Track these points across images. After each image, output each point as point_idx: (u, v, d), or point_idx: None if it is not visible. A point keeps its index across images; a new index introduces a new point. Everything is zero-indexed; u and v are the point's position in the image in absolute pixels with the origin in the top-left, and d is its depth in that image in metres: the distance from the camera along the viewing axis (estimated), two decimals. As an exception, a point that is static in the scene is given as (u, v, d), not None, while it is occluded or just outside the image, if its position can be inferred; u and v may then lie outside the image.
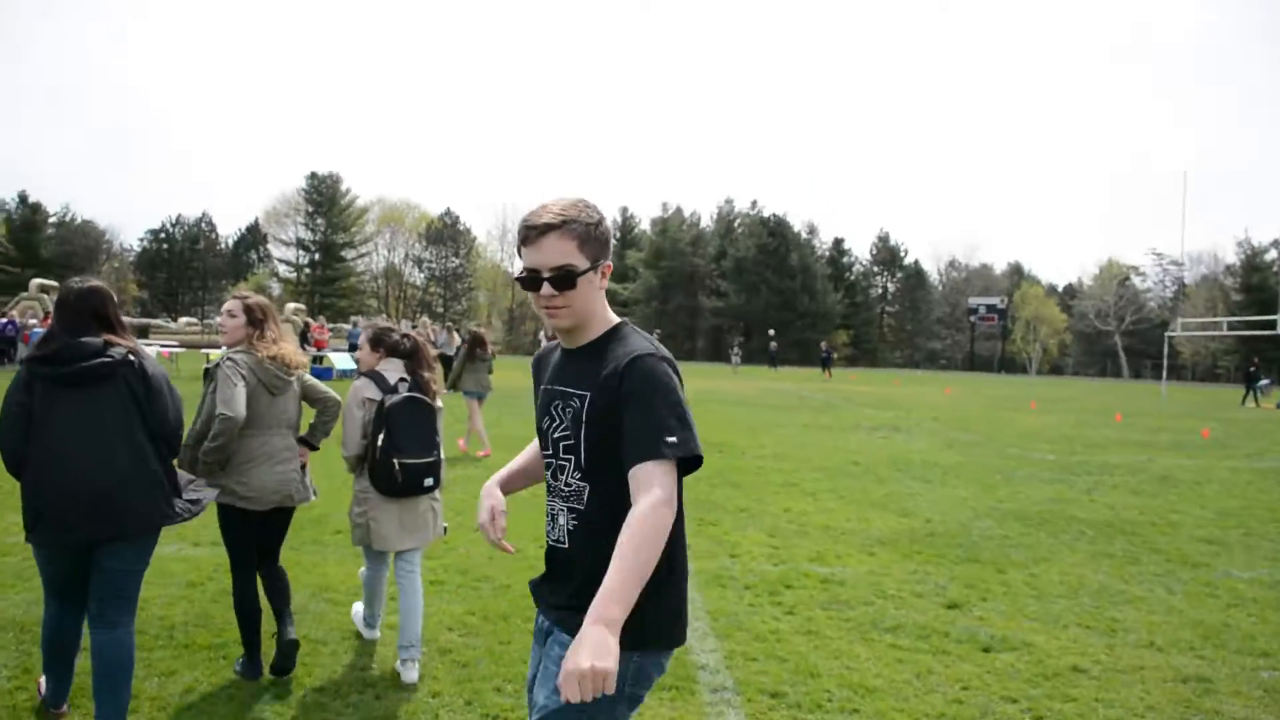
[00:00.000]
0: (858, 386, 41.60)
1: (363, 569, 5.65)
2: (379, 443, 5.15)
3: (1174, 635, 6.10)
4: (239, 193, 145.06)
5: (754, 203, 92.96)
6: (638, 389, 2.34)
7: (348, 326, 43.72)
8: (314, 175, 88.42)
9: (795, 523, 9.45)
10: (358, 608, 5.73)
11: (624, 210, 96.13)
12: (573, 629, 2.32)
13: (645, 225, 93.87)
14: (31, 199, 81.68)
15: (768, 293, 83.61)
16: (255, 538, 5.12)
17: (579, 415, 2.44)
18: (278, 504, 5.05)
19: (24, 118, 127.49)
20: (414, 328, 26.80)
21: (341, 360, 31.77)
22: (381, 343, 5.51)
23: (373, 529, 5.23)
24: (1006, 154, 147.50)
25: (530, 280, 2.44)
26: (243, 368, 4.93)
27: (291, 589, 5.30)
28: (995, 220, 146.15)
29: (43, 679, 4.44)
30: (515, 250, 2.50)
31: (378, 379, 5.35)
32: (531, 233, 2.41)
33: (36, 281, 40.61)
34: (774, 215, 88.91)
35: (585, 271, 2.42)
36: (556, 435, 2.50)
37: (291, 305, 43.40)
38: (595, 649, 2.02)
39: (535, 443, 2.77)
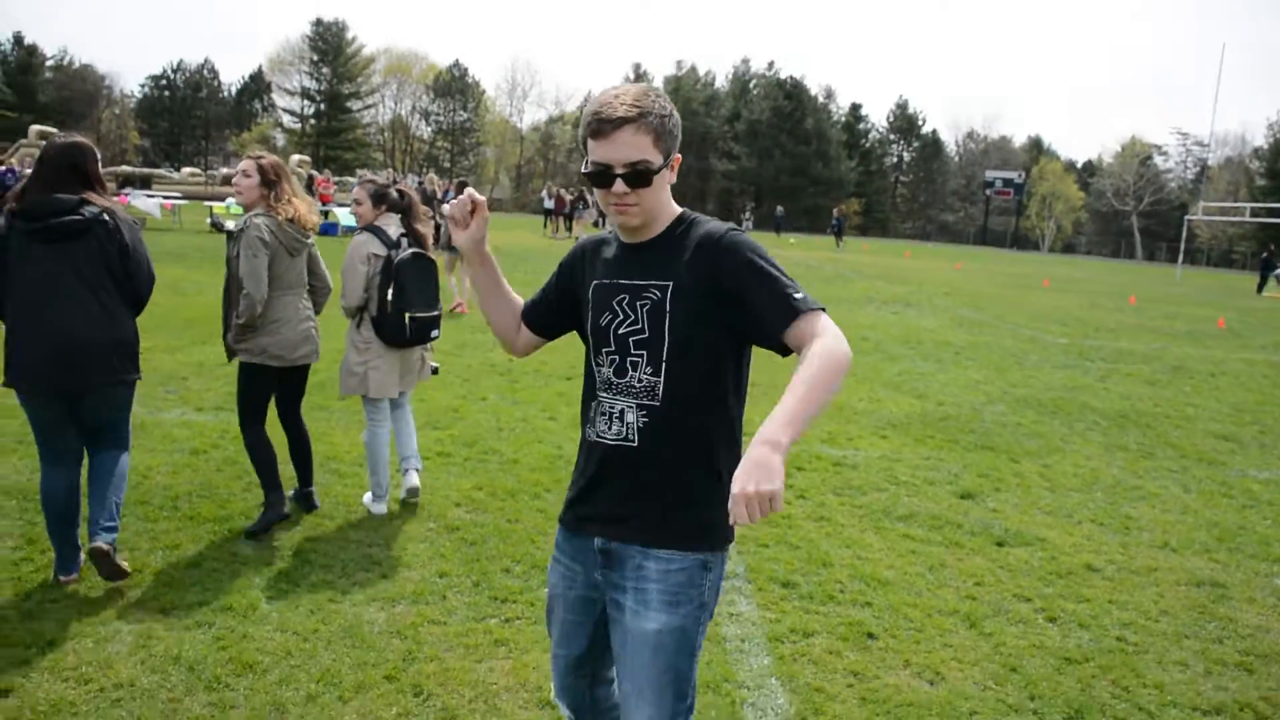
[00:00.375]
0: (868, 257, 41.18)
1: (365, 432, 5.71)
2: (388, 297, 5.38)
3: (1188, 536, 6.03)
4: (243, 39, 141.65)
5: (771, 64, 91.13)
6: (744, 262, 2.25)
7: (354, 180, 43.10)
8: (319, 22, 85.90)
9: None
10: (368, 498, 5.67)
11: (637, 67, 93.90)
12: (652, 537, 2.35)
13: (658, 83, 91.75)
14: (27, 40, 79.65)
15: (780, 157, 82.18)
16: (274, 395, 5.42)
17: (659, 307, 2.31)
18: (302, 359, 5.31)
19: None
20: (420, 184, 26.41)
21: (347, 216, 31.38)
22: (383, 199, 5.64)
23: (371, 377, 5.46)
24: (1033, 19, 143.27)
25: (601, 175, 2.27)
26: (264, 233, 5.05)
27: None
28: (1017, 91, 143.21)
29: None
30: (580, 142, 2.32)
31: (379, 233, 5.51)
32: (605, 126, 2.22)
33: (36, 128, 39.90)
34: (791, 77, 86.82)
35: (660, 169, 2.28)
36: (623, 331, 2.36)
37: (296, 157, 42.76)
38: (762, 471, 1.90)
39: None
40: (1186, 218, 46.63)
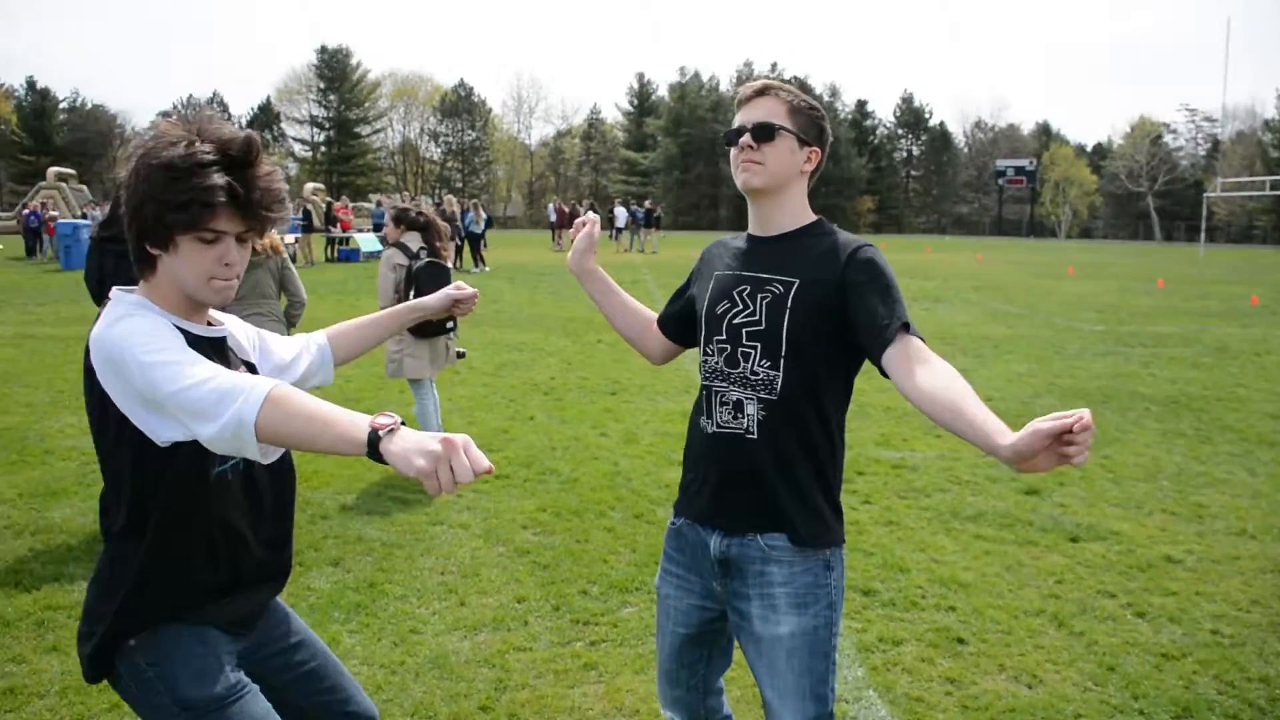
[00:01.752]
0: (889, 255, 40.81)
1: (414, 407, 6.90)
2: (410, 297, 6.40)
3: (1264, 522, 5.93)
4: (249, 71, 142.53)
5: (774, 65, 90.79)
6: (870, 276, 2.28)
7: (369, 205, 43.22)
8: (324, 49, 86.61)
9: (854, 402, 9.26)
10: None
11: (640, 77, 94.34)
12: (773, 529, 2.32)
13: (663, 91, 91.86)
14: (40, 84, 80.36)
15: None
16: None
17: (780, 302, 2.32)
18: None
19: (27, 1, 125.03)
20: (438, 205, 26.64)
21: (367, 242, 31.49)
22: (403, 219, 7.00)
23: (406, 363, 6.68)
24: (1034, 3, 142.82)
25: (732, 134, 2.41)
26: None
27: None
28: (1023, 77, 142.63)
29: None
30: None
31: (403, 248, 6.85)
32: (745, 94, 2.43)
33: (53, 170, 40.26)
34: (795, 78, 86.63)
35: (787, 132, 2.36)
36: (739, 320, 2.37)
37: (310, 185, 42.93)
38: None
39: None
40: (1205, 195, 46.23)
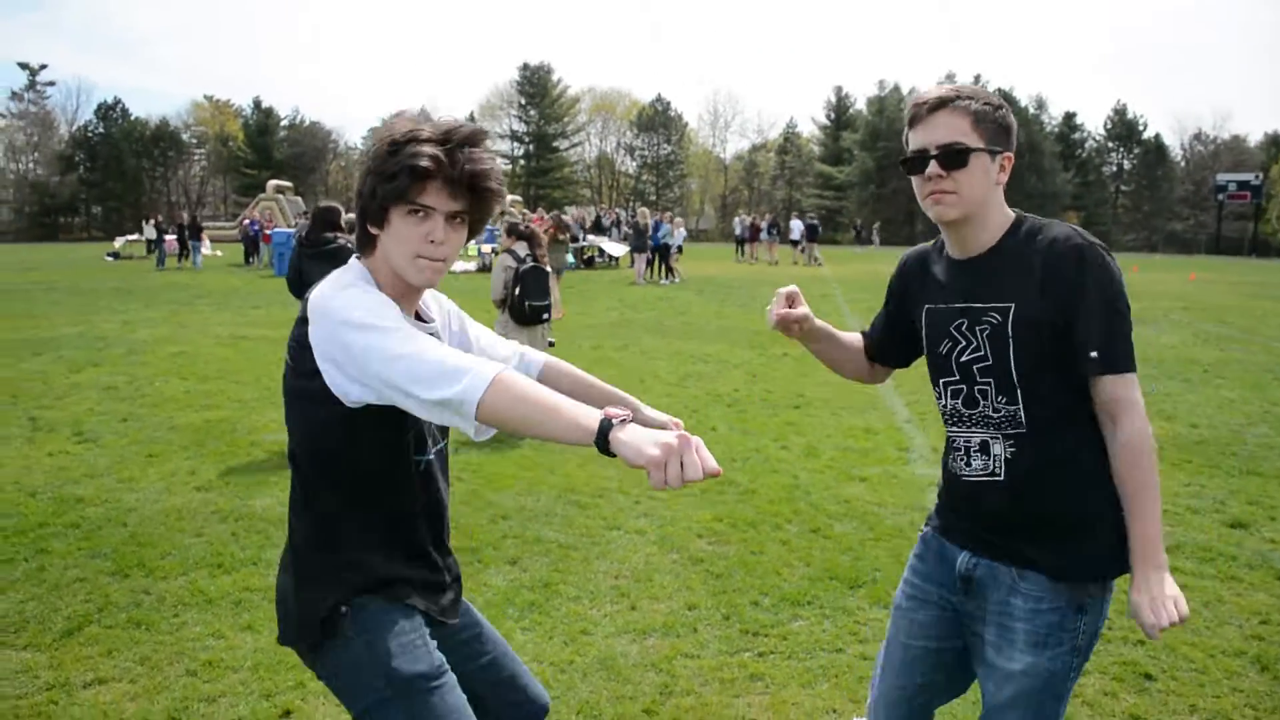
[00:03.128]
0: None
1: None
2: (516, 293, 8.49)
3: None
4: (454, 87, 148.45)
5: (977, 76, 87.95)
6: (1093, 284, 2.07)
7: (566, 218, 44.28)
8: (525, 66, 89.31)
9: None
10: None
11: (838, 90, 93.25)
12: (1023, 564, 2.22)
13: (861, 105, 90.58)
14: (264, 104, 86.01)
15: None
16: None
17: (1001, 332, 2.15)
18: None
19: (249, 22, 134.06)
20: (633, 217, 27.42)
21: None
22: (513, 231, 8.97)
23: None
24: (1259, 8, 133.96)
25: (915, 161, 2.15)
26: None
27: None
28: (1250, 84, 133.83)
29: None
30: (904, 141, 2.23)
31: (512, 253, 8.72)
32: (920, 109, 2.15)
33: (273, 183, 42.90)
34: (999, 89, 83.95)
35: (979, 151, 2.11)
36: (966, 358, 2.22)
37: (509, 198, 44.29)
38: (1169, 583, 2.10)
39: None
40: None
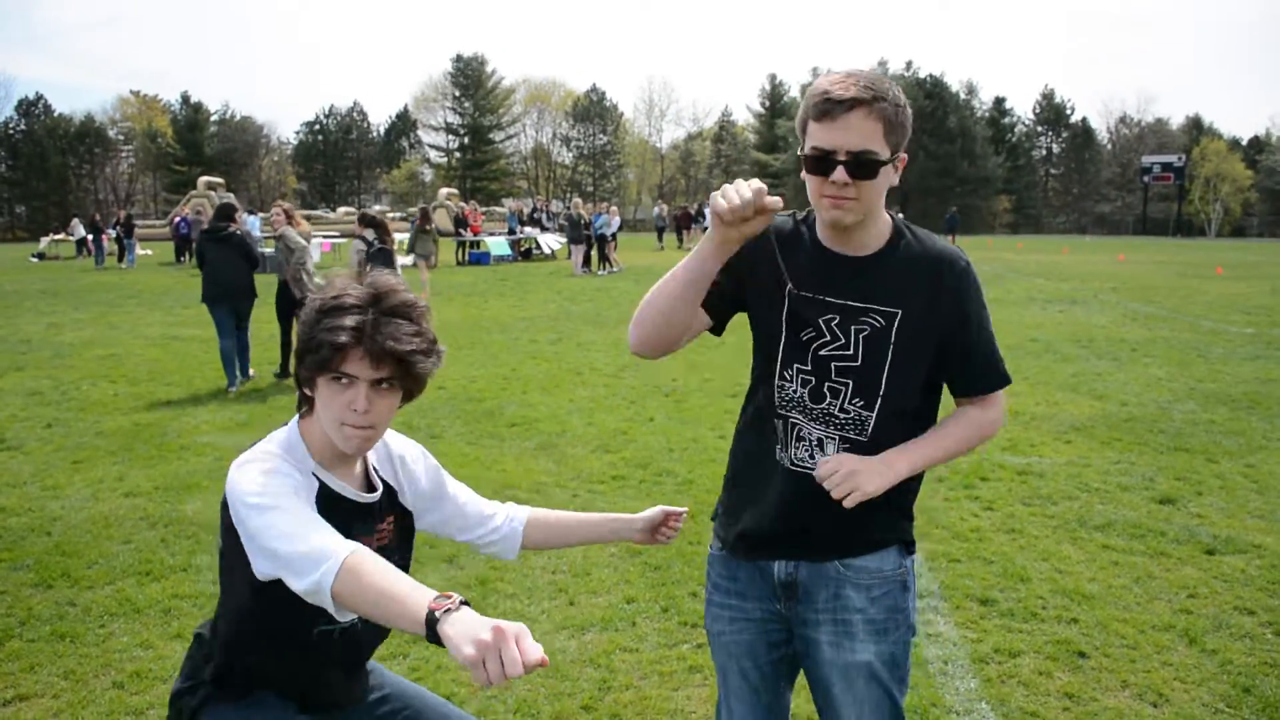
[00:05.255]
0: (1024, 255, 39.79)
1: None
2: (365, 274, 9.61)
3: None
4: (388, 80, 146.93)
5: (909, 63, 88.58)
6: (975, 306, 2.14)
7: (501, 210, 44.11)
8: (459, 58, 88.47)
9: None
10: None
11: (772, 78, 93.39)
12: (846, 555, 2.21)
13: (795, 92, 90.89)
14: (193, 99, 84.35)
15: (925, 158, 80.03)
16: None
17: (883, 336, 2.09)
18: None
19: (179, 20, 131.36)
20: (567, 209, 27.65)
21: (497, 246, 32.04)
22: (363, 220, 10.86)
23: None
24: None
25: (821, 161, 1.99)
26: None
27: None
28: (1171, 69, 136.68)
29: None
30: (799, 126, 2.08)
31: (363, 239, 10.63)
32: (835, 107, 1.96)
33: (204, 179, 42.24)
34: (930, 75, 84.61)
35: (886, 163, 2.01)
36: (825, 353, 2.12)
37: (444, 191, 44.07)
38: (870, 466, 2.04)
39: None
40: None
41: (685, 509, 2.55)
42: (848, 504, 1.98)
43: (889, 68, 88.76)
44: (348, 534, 1.81)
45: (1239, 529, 5.68)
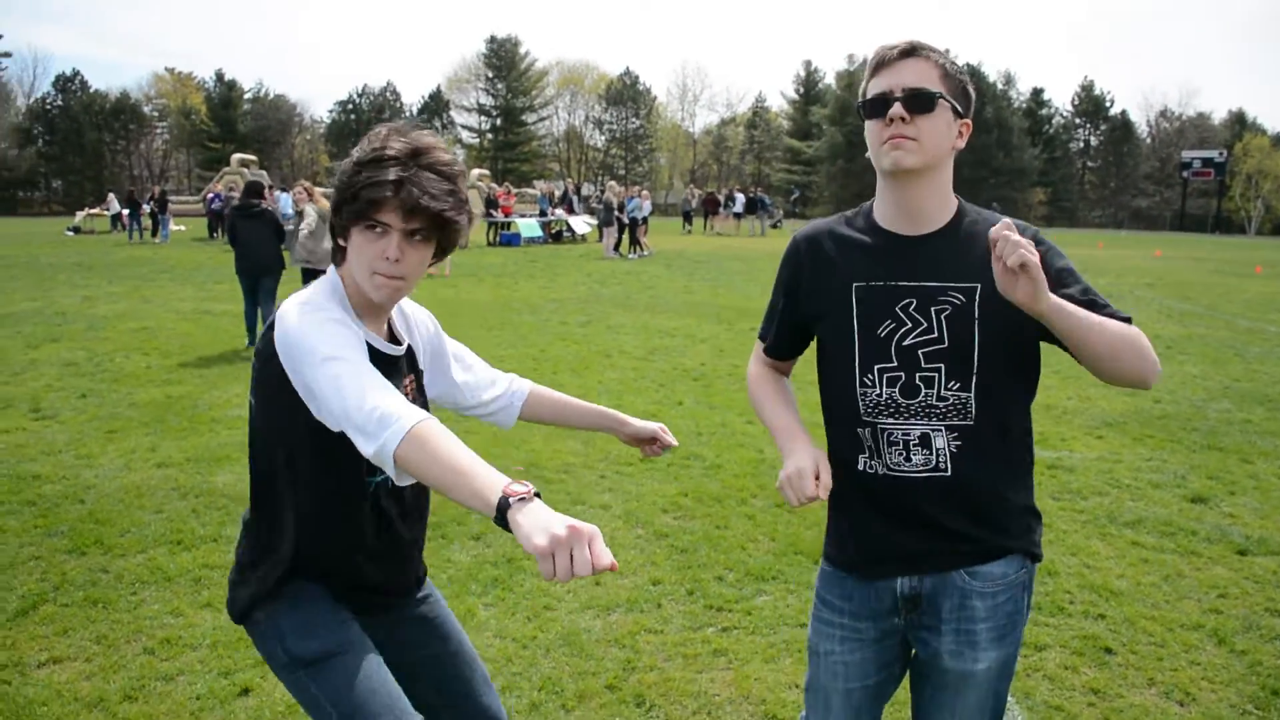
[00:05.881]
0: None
1: None
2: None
3: None
4: (422, 60, 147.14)
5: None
6: (1062, 261, 2.03)
7: (533, 191, 44.10)
8: (493, 39, 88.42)
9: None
10: None
11: (807, 64, 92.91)
12: (974, 565, 2.09)
13: (830, 80, 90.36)
14: (227, 76, 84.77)
15: (961, 149, 79.77)
16: None
17: (964, 313, 2.00)
18: None
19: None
20: (602, 191, 27.46)
21: (528, 227, 32.09)
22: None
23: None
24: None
25: (876, 103, 1.99)
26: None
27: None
28: (1216, 62, 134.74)
29: None
30: (860, 96, 2.07)
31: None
32: (888, 53, 2.00)
33: (237, 156, 42.48)
34: (967, 64, 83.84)
35: (944, 101, 1.98)
36: (910, 341, 2.03)
37: (476, 171, 43.94)
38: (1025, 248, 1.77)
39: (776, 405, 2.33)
40: None
41: (676, 443, 2.59)
42: (1010, 263, 1.76)
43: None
44: None
45: (1272, 530, 5.62)
